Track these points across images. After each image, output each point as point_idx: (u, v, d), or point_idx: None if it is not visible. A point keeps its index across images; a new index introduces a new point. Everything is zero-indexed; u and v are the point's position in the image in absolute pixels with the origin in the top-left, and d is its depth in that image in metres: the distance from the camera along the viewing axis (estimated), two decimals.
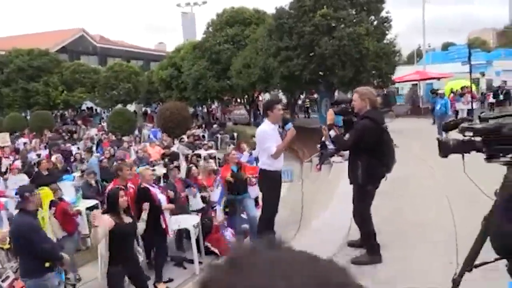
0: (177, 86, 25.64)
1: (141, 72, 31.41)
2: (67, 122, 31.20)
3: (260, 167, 5.22)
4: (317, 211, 6.90)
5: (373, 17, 16.88)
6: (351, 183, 4.42)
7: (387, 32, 16.69)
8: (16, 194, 6.30)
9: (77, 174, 9.89)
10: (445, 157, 2.78)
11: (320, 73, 16.93)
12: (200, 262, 6.01)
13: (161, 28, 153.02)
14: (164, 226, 5.54)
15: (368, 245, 4.48)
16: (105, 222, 4.01)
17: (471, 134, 2.61)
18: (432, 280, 3.75)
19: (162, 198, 5.68)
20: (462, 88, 17.98)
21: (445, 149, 2.75)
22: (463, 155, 2.73)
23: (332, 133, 4.31)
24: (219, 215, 6.97)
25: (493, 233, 2.52)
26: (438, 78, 25.38)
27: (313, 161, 12.34)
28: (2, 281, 5.67)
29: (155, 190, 5.69)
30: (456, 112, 16.54)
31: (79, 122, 26.95)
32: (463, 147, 2.67)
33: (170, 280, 5.62)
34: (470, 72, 15.57)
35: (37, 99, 29.08)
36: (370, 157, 4.15)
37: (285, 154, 13.09)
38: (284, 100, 24.59)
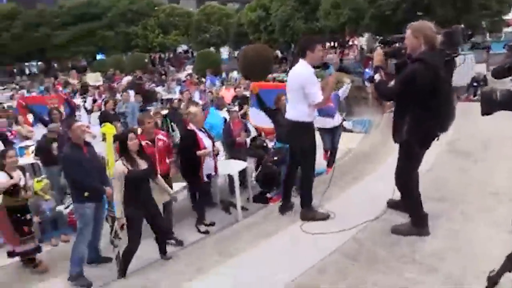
0: (265, 29, 24.96)
1: (233, 14, 31.24)
2: (163, 64, 32.75)
3: (297, 119, 4.40)
4: (374, 165, 6.35)
5: None
6: (395, 142, 3.72)
7: None
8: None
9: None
10: (488, 115, 2.06)
11: (418, 13, 15.04)
12: (245, 209, 5.88)
13: None
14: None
15: (413, 215, 3.86)
16: (117, 169, 3.94)
17: None
18: (486, 256, 3.16)
19: (208, 143, 5.51)
20: None
21: (487, 103, 2.03)
22: None
23: (377, 77, 3.56)
24: None
25: None
26: None
27: None
28: (66, 207, 6.21)
29: (202, 134, 5.52)
30: None
31: (166, 63, 27.95)
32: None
33: (212, 224, 5.59)
34: None
35: (136, 42, 30.83)
36: (420, 111, 3.40)
37: (364, 103, 12.29)
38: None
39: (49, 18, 31.16)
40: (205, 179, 5.39)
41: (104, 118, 8.54)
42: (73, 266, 4.39)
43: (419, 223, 3.80)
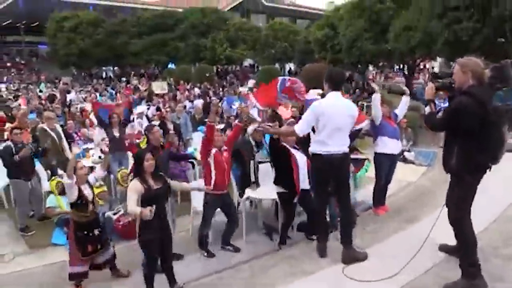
0: (332, 47, 24.64)
1: (301, 31, 31.28)
2: (228, 76, 33.45)
3: (347, 150, 4.36)
4: (432, 205, 5.78)
5: None
6: (447, 172, 3.62)
7: None
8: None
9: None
10: None
11: (501, 39, 13.99)
12: (288, 237, 5.60)
13: None
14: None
15: (464, 263, 3.46)
16: (133, 187, 3.88)
17: None
18: None
19: (300, 157, 5.31)
20: None
21: None
22: None
23: (427, 109, 3.69)
24: None
25: None
26: None
27: None
28: (114, 214, 6.34)
29: (294, 151, 5.35)
30: None
31: (230, 76, 28.46)
32: None
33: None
34: None
35: (204, 53, 31.84)
36: (469, 142, 3.37)
37: (431, 134, 11.43)
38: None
39: (128, 27, 33.17)
40: (303, 187, 5.15)
41: (162, 127, 8.72)
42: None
43: (470, 274, 3.39)
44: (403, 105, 6.07)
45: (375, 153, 5.89)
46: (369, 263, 4.12)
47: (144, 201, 3.84)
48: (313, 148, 4.34)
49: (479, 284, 3.38)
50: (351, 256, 4.18)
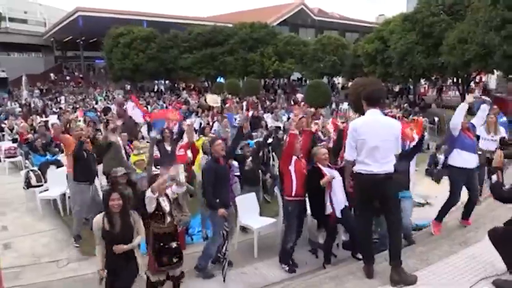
0: (382, 61, 24.19)
1: (350, 45, 30.98)
2: (276, 91, 33.65)
3: (393, 169, 4.24)
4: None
5: None
6: None
7: None
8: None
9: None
10: None
11: None
12: (333, 255, 5.51)
13: None
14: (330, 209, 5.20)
15: None
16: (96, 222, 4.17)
17: None
18: None
19: (334, 175, 5.30)
20: None
21: None
22: None
23: (494, 178, 3.65)
24: None
25: None
26: None
27: None
28: None
29: (327, 170, 5.34)
30: None
31: (279, 91, 28.59)
32: None
33: (292, 268, 5.36)
34: None
35: (253, 68, 32.30)
36: None
37: None
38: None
39: (179, 42, 34.35)
40: (338, 214, 5.18)
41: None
42: (202, 260, 5.25)
43: None
44: (483, 112, 6.08)
45: (450, 166, 5.61)
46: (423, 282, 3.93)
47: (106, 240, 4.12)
48: (356, 168, 4.27)
49: None
50: (401, 278, 4.02)
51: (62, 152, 9.94)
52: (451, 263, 4.42)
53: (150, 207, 4.43)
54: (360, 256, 5.08)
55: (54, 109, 23.65)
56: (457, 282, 3.75)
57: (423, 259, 4.46)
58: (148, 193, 4.38)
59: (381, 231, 5.23)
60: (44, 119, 17.06)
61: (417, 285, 3.89)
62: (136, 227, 4.29)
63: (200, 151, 7.69)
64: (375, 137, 4.08)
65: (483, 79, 30.10)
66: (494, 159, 3.61)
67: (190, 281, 5.03)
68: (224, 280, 4.96)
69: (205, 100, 17.87)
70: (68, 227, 7.02)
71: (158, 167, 8.03)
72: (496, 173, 3.56)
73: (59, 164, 9.28)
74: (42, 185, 8.34)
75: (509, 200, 3.53)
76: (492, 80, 29.35)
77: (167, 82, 40.99)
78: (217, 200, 5.19)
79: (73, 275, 5.41)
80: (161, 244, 4.47)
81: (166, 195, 4.70)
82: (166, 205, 4.59)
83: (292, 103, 21.70)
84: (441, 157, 6.96)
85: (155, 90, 38.62)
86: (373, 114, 4.19)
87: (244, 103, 20.59)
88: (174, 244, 4.54)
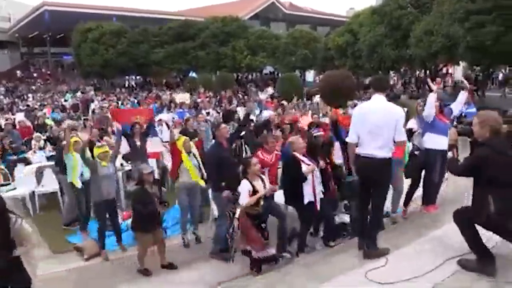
0: (352, 54, 24.61)
1: (321, 38, 31.28)
2: (249, 84, 33.64)
3: (389, 155, 4.28)
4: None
5: None
6: (478, 224, 3.62)
7: None
8: None
9: None
10: None
11: None
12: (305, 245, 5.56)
13: None
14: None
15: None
16: None
17: None
18: None
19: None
20: None
21: None
22: None
23: (450, 154, 3.94)
24: None
25: None
26: None
27: None
28: None
29: (304, 159, 5.40)
30: None
31: (248, 85, 28.66)
32: None
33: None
34: None
35: (225, 62, 32.20)
36: (502, 190, 3.40)
37: None
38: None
39: (150, 37, 33.83)
40: (318, 204, 5.26)
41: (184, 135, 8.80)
42: (217, 244, 5.38)
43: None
44: (461, 99, 5.92)
45: (426, 149, 5.66)
46: (391, 266, 4.04)
47: None
48: (357, 150, 4.37)
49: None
50: (374, 253, 4.19)
51: (30, 149, 9.72)
52: (418, 247, 4.58)
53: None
54: (332, 244, 5.32)
55: (21, 107, 22.90)
56: (424, 263, 3.88)
57: (392, 243, 4.57)
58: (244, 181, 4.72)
59: (353, 214, 5.35)
60: (11, 116, 16.52)
61: (386, 268, 4.00)
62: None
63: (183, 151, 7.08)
64: (374, 121, 4.18)
65: (450, 71, 31.05)
66: (449, 135, 3.91)
67: (197, 264, 5.26)
68: (232, 261, 5.03)
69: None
70: (36, 226, 6.82)
71: (130, 162, 7.97)
72: (452, 150, 3.84)
73: (27, 162, 9.02)
74: (9, 184, 8.09)
75: (463, 174, 3.76)
76: (458, 71, 30.30)
77: (138, 77, 40.32)
78: (223, 184, 5.32)
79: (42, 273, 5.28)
80: (256, 222, 4.77)
81: (261, 178, 4.93)
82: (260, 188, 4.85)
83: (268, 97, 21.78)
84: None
85: (126, 86, 37.93)
86: (378, 99, 4.30)
87: (218, 98, 20.58)
88: (263, 225, 4.88)
